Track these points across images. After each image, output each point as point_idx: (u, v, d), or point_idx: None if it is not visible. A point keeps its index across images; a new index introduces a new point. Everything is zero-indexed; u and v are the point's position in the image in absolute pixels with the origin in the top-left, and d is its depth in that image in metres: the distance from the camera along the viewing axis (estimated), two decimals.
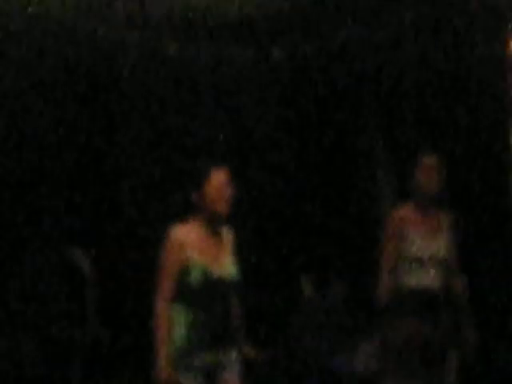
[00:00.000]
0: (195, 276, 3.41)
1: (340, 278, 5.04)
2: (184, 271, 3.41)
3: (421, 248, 4.21)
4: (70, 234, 5.17)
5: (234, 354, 3.57)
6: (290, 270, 5.09)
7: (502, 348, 4.71)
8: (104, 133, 5.42)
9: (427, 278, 4.23)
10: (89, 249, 5.00)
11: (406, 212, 4.21)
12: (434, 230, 4.24)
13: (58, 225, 5.19)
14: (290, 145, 5.19)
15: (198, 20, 5.25)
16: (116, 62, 5.30)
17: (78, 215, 5.33)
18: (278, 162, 4.90)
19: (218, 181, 3.52)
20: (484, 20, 5.20)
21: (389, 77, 5.14)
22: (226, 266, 3.55)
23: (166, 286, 3.42)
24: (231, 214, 3.53)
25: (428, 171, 4.25)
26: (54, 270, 5.01)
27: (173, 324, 3.49)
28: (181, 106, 5.44)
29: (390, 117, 5.23)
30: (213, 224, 3.51)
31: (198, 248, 3.47)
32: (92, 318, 4.94)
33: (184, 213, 3.50)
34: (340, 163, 5.35)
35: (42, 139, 5.38)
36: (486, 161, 5.07)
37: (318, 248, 5.23)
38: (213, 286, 3.46)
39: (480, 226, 5.01)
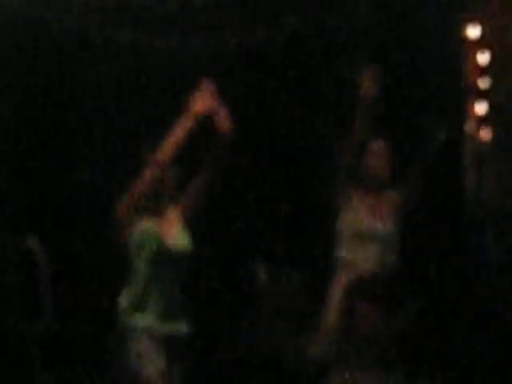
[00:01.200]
0: (150, 245, 3.63)
1: (295, 266, 5.12)
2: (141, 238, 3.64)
3: (364, 222, 4.45)
4: (24, 221, 5.18)
5: (184, 327, 3.76)
6: (244, 258, 5.14)
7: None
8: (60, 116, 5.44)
9: (372, 254, 4.44)
10: (44, 237, 5.01)
11: (349, 192, 4.43)
12: (380, 208, 4.46)
13: (14, 211, 5.20)
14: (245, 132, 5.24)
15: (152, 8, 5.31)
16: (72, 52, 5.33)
17: (35, 202, 5.31)
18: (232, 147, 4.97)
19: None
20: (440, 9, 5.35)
21: (341, 65, 5.23)
22: (179, 238, 3.75)
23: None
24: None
25: (376, 156, 4.45)
26: (6, 259, 5.03)
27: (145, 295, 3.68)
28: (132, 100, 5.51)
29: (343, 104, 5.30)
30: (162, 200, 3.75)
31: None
32: (47, 311, 4.96)
33: None
34: (295, 149, 5.42)
35: None
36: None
37: (273, 235, 5.29)
38: (166, 256, 3.66)
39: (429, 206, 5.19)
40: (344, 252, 4.45)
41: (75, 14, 5.17)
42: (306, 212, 5.39)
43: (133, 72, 5.49)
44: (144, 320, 3.72)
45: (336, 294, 4.31)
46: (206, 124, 3.92)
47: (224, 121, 3.89)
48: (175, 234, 3.79)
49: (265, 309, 4.97)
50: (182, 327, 3.79)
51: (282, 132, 5.56)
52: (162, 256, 3.68)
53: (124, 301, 3.78)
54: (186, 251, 3.78)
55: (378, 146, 4.46)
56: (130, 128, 5.19)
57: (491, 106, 5.17)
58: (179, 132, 3.68)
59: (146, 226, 3.69)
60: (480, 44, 5.18)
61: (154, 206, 3.75)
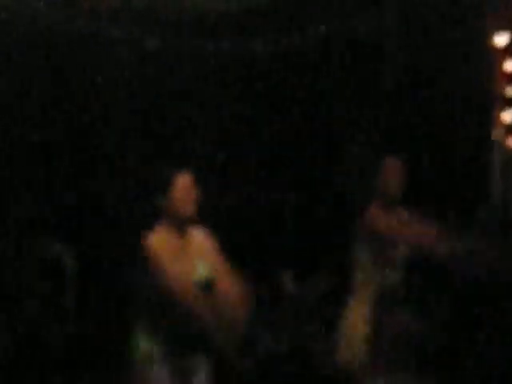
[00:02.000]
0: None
1: (319, 274, 5.14)
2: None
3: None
4: (52, 229, 5.21)
5: (202, 359, 3.62)
6: (271, 266, 5.16)
7: None
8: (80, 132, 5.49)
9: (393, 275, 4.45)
10: (71, 244, 5.03)
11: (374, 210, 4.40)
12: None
13: (41, 220, 5.24)
14: (268, 140, 5.29)
15: (179, 14, 5.35)
16: (97, 57, 5.35)
17: (61, 210, 5.37)
18: (256, 158, 5.01)
19: (182, 185, 3.58)
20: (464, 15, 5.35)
21: (368, 75, 5.26)
22: (196, 270, 3.57)
23: None
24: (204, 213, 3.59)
25: (391, 172, 4.43)
26: (35, 265, 5.06)
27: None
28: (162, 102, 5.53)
29: (366, 116, 5.37)
30: (181, 227, 3.55)
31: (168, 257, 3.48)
32: (72, 314, 4.99)
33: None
34: (317, 161, 5.47)
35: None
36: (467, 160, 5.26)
37: (298, 244, 5.31)
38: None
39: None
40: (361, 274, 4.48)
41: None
42: (330, 221, 5.43)
43: (160, 77, 5.55)
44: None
45: (357, 305, 4.41)
46: None
47: None
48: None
49: (292, 314, 5.02)
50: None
51: (305, 140, 5.63)
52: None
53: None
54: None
55: (392, 163, 4.49)
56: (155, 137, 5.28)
57: None
58: None
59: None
60: (508, 52, 5.17)
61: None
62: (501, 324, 4.83)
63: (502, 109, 5.27)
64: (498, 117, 5.30)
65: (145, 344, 3.60)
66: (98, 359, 4.91)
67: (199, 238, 3.66)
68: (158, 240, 3.48)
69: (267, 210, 5.51)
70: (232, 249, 4.29)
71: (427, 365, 4.18)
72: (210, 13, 5.23)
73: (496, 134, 5.31)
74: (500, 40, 5.16)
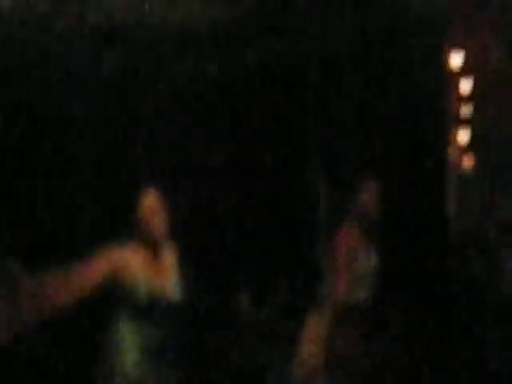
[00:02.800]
0: (141, 299, 3.39)
1: (276, 291, 5.29)
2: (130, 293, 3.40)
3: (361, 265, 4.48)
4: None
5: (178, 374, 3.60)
6: (228, 286, 5.27)
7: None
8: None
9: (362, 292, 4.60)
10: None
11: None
12: (366, 244, 4.54)
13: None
14: (231, 166, 5.42)
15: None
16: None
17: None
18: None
19: (150, 204, 3.65)
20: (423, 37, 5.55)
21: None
22: (169, 287, 3.53)
23: None
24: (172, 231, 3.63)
25: (369, 197, 4.59)
26: None
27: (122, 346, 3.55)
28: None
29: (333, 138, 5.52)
30: (151, 246, 3.61)
31: (141, 272, 3.44)
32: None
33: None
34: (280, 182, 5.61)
35: None
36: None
37: (255, 263, 5.45)
38: (158, 308, 3.46)
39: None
40: (327, 286, 4.62)
41: None
42: (288, 241, 5.53)
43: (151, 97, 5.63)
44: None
45: (313, 323, 4.53)
46: None
47: None
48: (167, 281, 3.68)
49: (249, 334, 5.15)
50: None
51: (271, 166, 5.73)
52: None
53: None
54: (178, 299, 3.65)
55: (370, 186, 4.62)
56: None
57: (473, 134, 5.35)
58: None
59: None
60: (463, 72, 5.36)
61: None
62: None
63: (458, 128, 5.50)
64: (454, 136, 5.54)
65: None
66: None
67: (170, 257, 3.70)
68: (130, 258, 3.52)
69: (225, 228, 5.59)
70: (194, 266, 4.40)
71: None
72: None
73: (452, 152, 5.55)
74: (455, 59, 5.36)
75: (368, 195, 4.58)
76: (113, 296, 3.43)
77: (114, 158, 5.45)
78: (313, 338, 4.50)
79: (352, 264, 4.60)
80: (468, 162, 5.49)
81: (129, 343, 3.48)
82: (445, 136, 5.66)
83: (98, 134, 5.60)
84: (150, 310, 3.47)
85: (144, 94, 5.61)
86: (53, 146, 5.61)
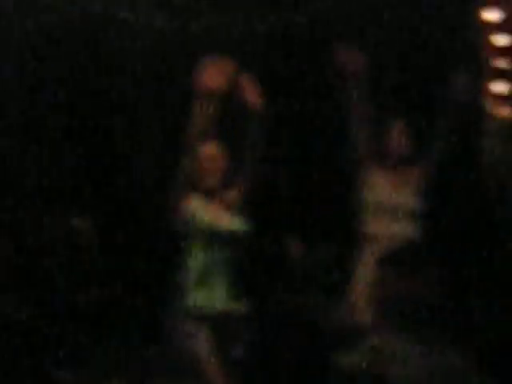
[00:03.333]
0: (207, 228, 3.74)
1: (324, 240, 5.39)
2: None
3: (387, 198, 4.71)
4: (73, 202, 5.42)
5: (245, 307, 3.91)
6: (276, 232, 5.40)
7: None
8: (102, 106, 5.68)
9: (395, 227, 4.69)
10: (91, 216, 5.27)
11: (370, 167, 4.73)
12: (402, 183, 4.75)
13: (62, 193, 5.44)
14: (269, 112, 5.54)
15: None
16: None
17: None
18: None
19: (207, 153, 3.80)
20: None
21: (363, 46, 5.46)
22: (232, 222, 3.84)
23: None
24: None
25: (396, 135, 4.75)
26: (56, 237, 5.30)
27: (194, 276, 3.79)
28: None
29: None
30: (209, 193, 3.82)
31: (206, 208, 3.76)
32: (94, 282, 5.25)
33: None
34: (318, 130, 5.68)
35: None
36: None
37: (302, 210, 5.54)
38: (220, 237, 3.79)
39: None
40: (368, 227, 4.77)
41: None
42: (333, 190, 5.63)
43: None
44: (199, 300, 3.82)
45: (363, 266, 4.66)
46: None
47: (250, 95, 3.98)
48: (229, 217, 3.91)
49: (299, 280, 5.28)
50: (237, 307, 3.91)
51: (303, 111, 5.78)
52: (215, 240, 3.82)
53: (180, 281, 3.90)
54: (238, 234, 3.89)
55: (397, 125, 4.76)
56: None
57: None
58: (197, 116, 3.69)
59: (198, 210, 3.78)
60: (499, 26, 5.40)
61: (208, 188, 3.87)
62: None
63: (492, 79, 5.53)
64: (488, 87, 5.57)
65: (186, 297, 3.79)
66: (127, 321, 5.08)
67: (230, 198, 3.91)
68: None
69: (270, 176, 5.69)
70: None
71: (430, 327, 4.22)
72: None
73: (488, 104, 5.59)
74: (491, 15, 5.42)
75: (397, 133, 4.77)
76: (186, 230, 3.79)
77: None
78: (361, 282, 4.67)
79: (386, 202, 4.75)
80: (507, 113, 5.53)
81: (198, 265, 3.80)
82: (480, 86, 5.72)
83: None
84: (213, 238, 3.78)
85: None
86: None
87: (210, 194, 3.82)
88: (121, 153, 5.63)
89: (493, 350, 4.70)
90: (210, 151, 3.84)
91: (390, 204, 4.75)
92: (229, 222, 3.85)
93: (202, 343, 3.71)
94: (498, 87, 5.38)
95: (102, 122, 5.60)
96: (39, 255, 5.09)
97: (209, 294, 3.80)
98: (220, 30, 5.55)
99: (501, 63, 5.39)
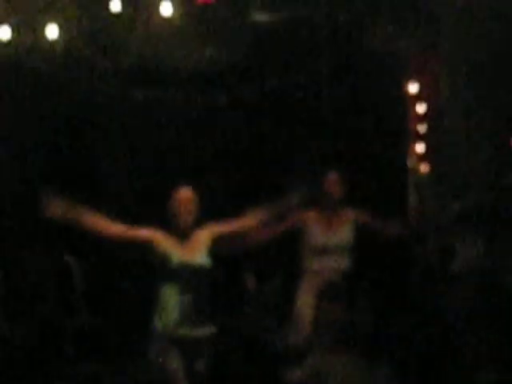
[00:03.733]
0: (175, 262, 4.33)
1: (274, 275, 6.36)
2: (165, 258, 4.34)
3: (322, 239, 5.44)
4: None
5: (207, 330, 4.43)
6: (236, 269, 6.28)
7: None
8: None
9: (331, 263, 5.44)
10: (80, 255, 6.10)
11: (308, 215, 5.47)
12: (336, 224, 5.48)
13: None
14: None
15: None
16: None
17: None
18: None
19: (181, 197, 4.52)
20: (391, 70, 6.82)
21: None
22: (198, 257, 4.44)
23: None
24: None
25: (331, 184, 5.51)
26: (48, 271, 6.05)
27: (165, 304, 4.37)
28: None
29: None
30: (182, 231, 4.47)
31: (175, 245, 4.40)
32: (82, 309, 6.04)
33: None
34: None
35: None
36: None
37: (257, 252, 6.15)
38: (188, 271, 4.37)
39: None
40: (309, 264, 5.48)
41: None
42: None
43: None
44: (165, 325, 4.41)
45: (305, 296, 5.29)
46: None
47: None
48: (197, 252, 4.52)
49: (254, 307, 6.10)
50: (202, 331, 4.46)
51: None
52: (184, 273, 4.43)
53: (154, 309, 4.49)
54: (204, 267, 4.49)
55: (332, 176, 5.56)
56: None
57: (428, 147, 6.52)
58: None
59: (171, 246, 4.43)
60: (418, 97, 6.53)
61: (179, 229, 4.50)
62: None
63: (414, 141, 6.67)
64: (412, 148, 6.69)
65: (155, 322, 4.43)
66: (107, 348, 5.80)
67: (200, 237, 4.49)
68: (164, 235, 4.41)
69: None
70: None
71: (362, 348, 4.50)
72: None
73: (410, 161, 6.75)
74: (412, 88, 6.54)
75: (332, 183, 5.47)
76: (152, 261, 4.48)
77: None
78: (302, 310, 5.28)
79: (322, 242, 5.44)
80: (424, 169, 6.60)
81: (170, 296, 4.40)
82: (406, 148, 6.92)
83: None
84: (183, 272, 4.38)
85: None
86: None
87: (183, 233, 4.53)
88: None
89: (415, 365, 5.15)
90: (184, 195, 4.59)
91: (322, 243, 5.47)
92: (198, 257, 4.49)
93: (171, 360, 4.35)
94: (419, 148, 6.47)
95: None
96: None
97: (177, 319, 4.40)
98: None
99: (421, 128, 6.51)
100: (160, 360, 4.41)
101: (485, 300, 5.86)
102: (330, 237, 5.48)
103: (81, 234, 6.11)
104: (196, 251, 4.48)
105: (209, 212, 4.80)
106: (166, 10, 6.08)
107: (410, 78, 7.13)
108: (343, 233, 5.53)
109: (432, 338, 5.29)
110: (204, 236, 4.55)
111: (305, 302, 5.33)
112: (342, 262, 5.52)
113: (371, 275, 6.07)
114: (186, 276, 4.42)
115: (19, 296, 5.90)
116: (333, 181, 5.57)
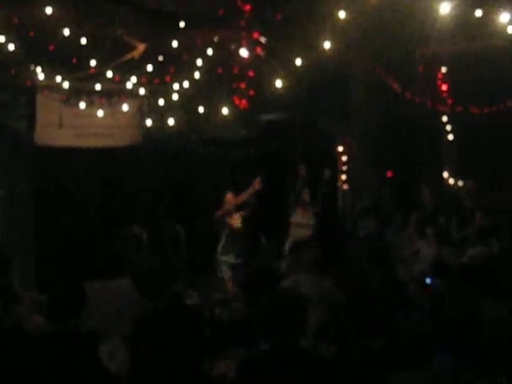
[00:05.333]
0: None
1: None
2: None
3: (300, 220, 10.24)
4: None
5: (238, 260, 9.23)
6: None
7: None
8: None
9: (303, 231, 10.04)
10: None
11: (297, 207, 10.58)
12: (307, 213, 10.36)
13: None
14: None
15: None
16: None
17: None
18: None
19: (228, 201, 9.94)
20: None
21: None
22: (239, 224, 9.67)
23: None
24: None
25: (304, 196, 10.16)
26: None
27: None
28: None
29: None
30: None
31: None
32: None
33: None
34: None
35: None
36: None
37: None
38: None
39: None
40: (292, 231, 10.25)
41: None
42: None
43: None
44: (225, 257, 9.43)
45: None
46: None
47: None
48: (238, 223, 9.78)
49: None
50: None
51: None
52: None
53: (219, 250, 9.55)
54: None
55: (304, 192, 10.40)
56: None
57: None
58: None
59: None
60: (344, 152, 11.81)
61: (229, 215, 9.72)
62: None
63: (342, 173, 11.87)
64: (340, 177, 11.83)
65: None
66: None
67: None
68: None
69: None
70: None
71: None
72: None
73: (339, 183, 11.96)
74: (340, 148, 11.71)
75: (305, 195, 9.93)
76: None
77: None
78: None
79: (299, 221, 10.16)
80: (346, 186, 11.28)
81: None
82: (336, 176, 11.45)
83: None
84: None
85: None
86: None
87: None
88: None
89: None
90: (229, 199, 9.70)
91: (300, 222, 10.28)
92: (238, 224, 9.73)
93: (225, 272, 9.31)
94: (343, 176, 11.74)
95: None
96: None
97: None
98: None
99: (344, 167, 11.93)
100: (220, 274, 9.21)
101: (374, 256, 8.76)
102: (303, 219, 10.39)
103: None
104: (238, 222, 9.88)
105: None
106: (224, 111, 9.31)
107: (339, 143, 11.67)
108: (310, 218, 10.47)
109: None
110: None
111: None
112: (309, 232, 10.25)
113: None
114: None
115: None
116: (305, 194, 10.27)
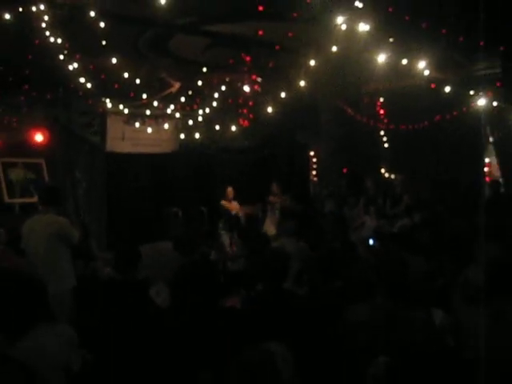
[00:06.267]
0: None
1: None
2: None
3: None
4: None
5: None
6: None
7: None
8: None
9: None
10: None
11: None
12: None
13: None
14: None
15: None
16: None
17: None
18: None
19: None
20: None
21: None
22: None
23: None
24: None
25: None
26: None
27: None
28: None
29: None
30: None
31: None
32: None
33: None
34: None
35: None
36: None
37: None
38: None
39: None
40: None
41: None
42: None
43: None
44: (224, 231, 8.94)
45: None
46: None
47: None
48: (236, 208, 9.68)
49: None
50: None
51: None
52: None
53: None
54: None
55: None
56: None
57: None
58: None
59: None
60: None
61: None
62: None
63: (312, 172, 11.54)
64: (312, 174, 11.45)
65: None
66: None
67: None
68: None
69: None
70: None
71: None
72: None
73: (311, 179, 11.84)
74: (311, 153, 11.48)
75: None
76: None
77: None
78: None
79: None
80: (316, 181, 11.14)
81: None
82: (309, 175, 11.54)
83: None
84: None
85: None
86: None
87: None
88: None
89: None
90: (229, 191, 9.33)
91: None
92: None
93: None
94: (313, 174, 11.52)
95: None
96: None
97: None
98: None
99: (313, 169, 11.52)
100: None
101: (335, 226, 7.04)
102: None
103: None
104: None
105: None
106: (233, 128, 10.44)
107: (311, 149, 11.41)
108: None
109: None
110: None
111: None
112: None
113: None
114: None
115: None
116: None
